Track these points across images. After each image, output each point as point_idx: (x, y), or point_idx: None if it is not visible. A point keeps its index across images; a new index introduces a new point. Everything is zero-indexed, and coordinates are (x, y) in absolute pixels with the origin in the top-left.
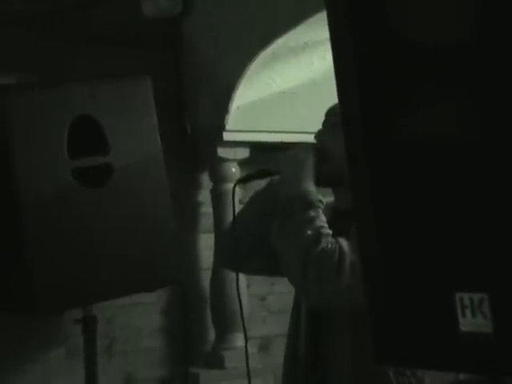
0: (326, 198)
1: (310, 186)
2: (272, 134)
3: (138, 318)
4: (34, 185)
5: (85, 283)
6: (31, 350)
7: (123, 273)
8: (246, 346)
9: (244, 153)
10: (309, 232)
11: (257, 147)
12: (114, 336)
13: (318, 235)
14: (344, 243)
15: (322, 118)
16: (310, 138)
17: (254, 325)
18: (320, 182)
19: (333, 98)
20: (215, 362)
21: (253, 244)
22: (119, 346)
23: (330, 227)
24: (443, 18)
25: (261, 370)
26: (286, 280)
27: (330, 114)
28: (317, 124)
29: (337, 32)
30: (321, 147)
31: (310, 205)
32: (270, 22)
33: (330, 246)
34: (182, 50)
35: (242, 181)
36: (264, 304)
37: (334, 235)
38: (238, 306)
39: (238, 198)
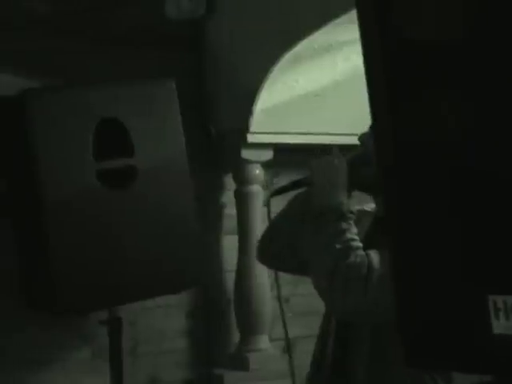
0: (365, 204)
1: (343, 197)
2: (295, 136)
3: (162, 320)
4: (59, 187)
5: (109, 285)
6: (57, 350)
7: (147, 275)
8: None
9: (268, 155)
10: (338, 245)
11: (280, 149)
12: (138, 338)
13: (347, 249)
14: (375, 257)
15: (346, 120)
16: (334, 140)
17: (277, 327)
18: (358, 187)
19: (356, 100)
20: (239, 363)
21: (287, 245)
22: (143, 347)
23: (369, 234)
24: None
25: (285, 372)
26: (309, 281)
27: None
28: (340, 125)
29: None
30: (364, 151)
31: (342, 216)
32: (293, 24)
33: (358, 260)
34: (205, 52)
35: (276, 193)
36: (287, 306)
37: (373, 243)
38: (262, 308)
39: (262, 200)
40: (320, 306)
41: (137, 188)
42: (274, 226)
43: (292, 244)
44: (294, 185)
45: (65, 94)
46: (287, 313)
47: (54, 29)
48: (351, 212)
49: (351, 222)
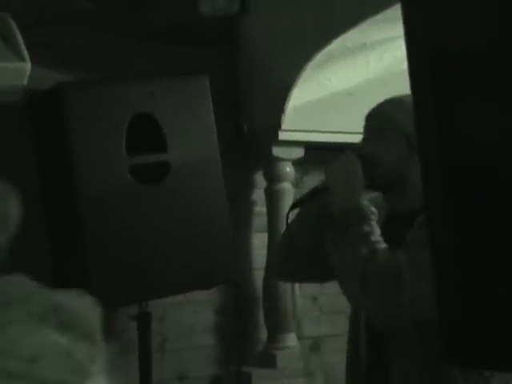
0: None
1: (361, 199)
2: (327, 135)
3: (191, 316)
4: (93, 181)
5: (141, 280)
6: None
7: (178, 270)
8: None
9: (299, 152)
10: (364, 249)
11: (312, 147)
12: (167, 333)
13: (374, 251)
14: (401, 256)
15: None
16: None
17: (305, 325)
18: (373, 188)
19: None
20: (267, 361)
21: (304, 255)
22: (171, 343)
23: (383, 231)
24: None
25: (312, 370)
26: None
27: (370, 118)
28: None
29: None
30: (367, 155)
31: (364, 218)
32: (327, 22)
33: (387, 262)
34: (238, 50)
35: (295, 206)
36: (316, 304)
37: (388, 239)
38: (291, 306)
39: (292, 198)
40: (347, 304)
41: (169, 184)
42: (289, 240)
43: (310, 254)
44: (311, 195)
45: (100, 87)
46: (315, 311)
47: (91, 24)
48: (372, 213)
49: (373, 223)
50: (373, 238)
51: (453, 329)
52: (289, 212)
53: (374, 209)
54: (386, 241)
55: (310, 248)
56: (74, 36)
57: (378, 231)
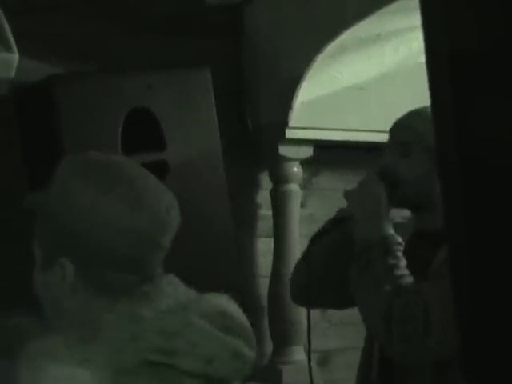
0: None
1: (387, 228)
2: (338, 132)
3: None
4: None
5: None
6: None
7: (177, 277)
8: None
9: (307, 152)
10: (387, 285)
11: (321, 146)
12: None
13: (399, 288)
14: (430, 291)
15: (393, 115)
16: (380, 138)
17: (313, 337)
18: (396, 205)
19: (405, 94)
20: (272, 376)
21: (324, 284)
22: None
23: (410, 252)
24: None
25: None
26: None
27: (395, 131)
28: (386, 122)
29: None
30: (390, 173)
31: (388, 251)
32: (339, 11)
33: (412, 300)
34: (243, 41)
35: (317, 237)
36: (324, 316)
37: (415, 261)
38: (298, 317)
39: (299, 200)
40: (358, 316)
41: (168, 185)
42: (308, 266)
43: (332, 282)
44: (333, 224)
45: (93, 80)
46: (323, 323)
47: (85, 12)
48: (398, 243)
49: (399, 254)
50: (397, 272)
51: (472, 347)
52: (311, 244)
53: (399, 239)
54: (412, 262)
55: (331, 276)
56: (66, 24)
57: (403, 263)
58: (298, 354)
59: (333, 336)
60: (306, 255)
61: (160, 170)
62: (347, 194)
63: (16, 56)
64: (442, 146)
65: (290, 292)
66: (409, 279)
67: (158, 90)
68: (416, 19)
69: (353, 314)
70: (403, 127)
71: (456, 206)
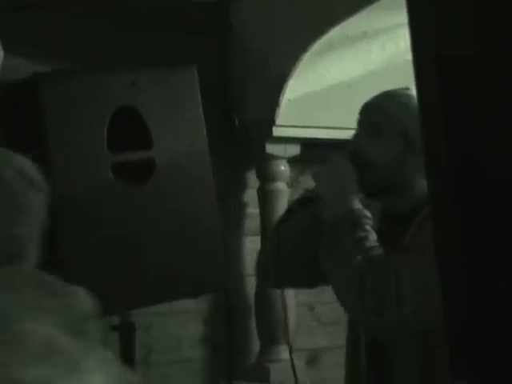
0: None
1: (354, 203)
2: (325, 130)
3: (178, 327)
4: (71, 181)
5: (122, 287)
6: None
7: (164, 277)
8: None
9: (294, 150)
10: (359, 257)
11: (308, 144)
12: (152, 346)
13: (370, 259)
14: (399, 264)
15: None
16: None
17: (301, 336)
18: (366, 194)
19: None
20: (259, 374)
21: (294, 264)
22: (157, 356)
23: (379, 234)
24: None
25: None
26: None
27: (364, 112)
28: None
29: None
30: (360, 154)
31: (357, 225)
32: (326, 8)
33: (384, 270)
34: (230, 37)
35: (284, 219)
36: (313, 314)
37: (385, 242)
38: (284, 316)
39: (287, 199)
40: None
41: (154, 183)
42: (278, 248)
43: (302, 262)
44: (300, 204)
45: (79, 79)
46: (311, 322)
47: (70, 10)
48: (366, 217)
49: (368, 227)
50: (368, 244)
51: (460, 340)
52: (278, 226)
53: (368, 213)
54: (383, 242)
55: (300, 256)
56: (51, 22)
57: (373, 236)
58: (286, 352)
59: (321, 335)
60: (274, 237)
61: (146, 168)
62: (315, 176)
63: (1, 54)
64: (430, 145)
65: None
66: (379, 251)
67: (144, 89)
68: (403, 17)
69: (341, 312)
70: (373, 107)
71: (445, 206)
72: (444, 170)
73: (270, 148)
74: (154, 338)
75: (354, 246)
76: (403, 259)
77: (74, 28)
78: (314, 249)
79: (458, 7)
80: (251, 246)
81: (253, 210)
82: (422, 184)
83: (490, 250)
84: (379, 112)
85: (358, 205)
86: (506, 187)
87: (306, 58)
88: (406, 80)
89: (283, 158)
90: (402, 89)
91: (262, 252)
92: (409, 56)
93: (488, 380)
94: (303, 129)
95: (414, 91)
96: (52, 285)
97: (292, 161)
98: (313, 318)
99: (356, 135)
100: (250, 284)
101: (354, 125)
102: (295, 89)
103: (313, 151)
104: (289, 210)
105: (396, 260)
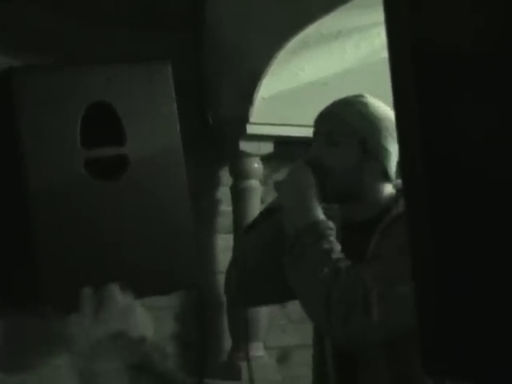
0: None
1: (317, 214)
2: (299, 128)
3: None
4: (44, 176)
5: (94, 283)
6: (31, 354)
7: (135, 274)
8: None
9: (268, 147)
10: (325, 269)
11: (282, 142)
12: None
13: (336, 271)
14: (367, 271)
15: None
16: None
17: (273, 334)
18: (326, 202)
19: (367, 90)
20: (232, 372)
21: (259, 280)
22: None
23: (341, 243)
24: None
25: (280, 383)
26: None
27: (320, 122)
28: None
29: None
30: (319, 162)
31: (321, 236)
32: (301, 6)
33: (351, 280)
34: (204, 33)
35: (249, 228)
36: (284, 312)
37: (348, 252)
38: (257, 313)
39: (260, 196)
40: None
41: (128, 180)
42: (240, 261)
43: (268, 278)
44: (263, 215)
45: (52, 74)
46: (282, 319)
47: (44, 4)
48: (330, 228)
49: (332, 238)
50: (334, 256)
51: (433, 338)
52: (242, 236)
53: (331, 223)
54: (346, 254)
55: (265, 271)
56: (24, 17)
57: (338, 247)
58: (258, 350)
59: (292, 332)
60: (237, 251)
61: (119, 164)
62: (276, 185)
63: None
64: (406, 145)
65: (225, 293)
66: (346, 262)
67: (118, 85)
68: (377, 15)
69: None
70: (329, 116)
71: (420, 206)
72: (420, 169)
73: (244, 145)
74: None
75: (319, 258)
76: (369, 269)
77: (47, 22)
78: (278, 261)
79: (435, 2)
80: (224, 243)
81: (226, 207)
82: (380, 191)
83: (464, 250)
84: (335, 120)
85: (321, 215)
86: (484, 186)
87: (281, 55)
88: (380, 78)
89: (256, 155)
90: (357, 96)
91: (231, 264)
92: (384, 54)
93: (460, 376)
94: (277, 127)
95: (369, 98)
96: None
97: (265, 158)
98: (284, 316)
99: (314, 144)
100: (223, 281)
101: None
102: (269, 87)
103: (286, 149)
104: (252, 223)
105: (362, 269)
